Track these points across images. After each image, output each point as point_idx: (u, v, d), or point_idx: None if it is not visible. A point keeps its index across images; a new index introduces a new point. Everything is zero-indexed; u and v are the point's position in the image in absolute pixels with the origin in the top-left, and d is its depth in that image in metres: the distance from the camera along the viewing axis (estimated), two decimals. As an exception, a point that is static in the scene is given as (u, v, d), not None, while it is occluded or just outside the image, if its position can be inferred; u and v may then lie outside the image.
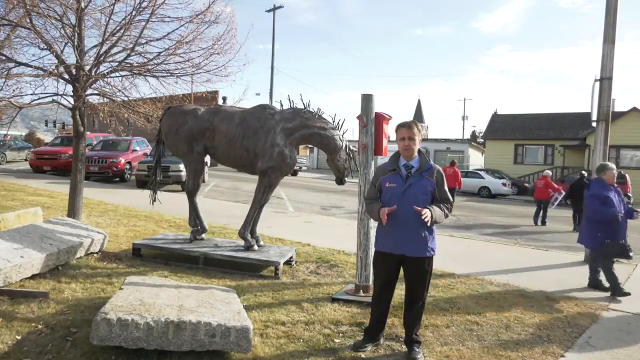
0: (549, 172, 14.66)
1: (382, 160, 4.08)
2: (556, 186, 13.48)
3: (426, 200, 3.34)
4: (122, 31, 6.34)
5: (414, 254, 3.33)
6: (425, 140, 42.62)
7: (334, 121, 5.82)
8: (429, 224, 3.31)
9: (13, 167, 21.34)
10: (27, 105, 6.78)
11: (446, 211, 3.41)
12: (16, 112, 6.86)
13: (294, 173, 26.27)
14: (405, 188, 3.32)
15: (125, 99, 6.98)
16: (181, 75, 6.89)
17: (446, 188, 3.41)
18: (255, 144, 5.64)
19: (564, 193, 13.32)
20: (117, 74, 6.69)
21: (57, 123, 43.38)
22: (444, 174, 3.44)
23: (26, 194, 11.21)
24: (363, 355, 3.42)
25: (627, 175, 20.04)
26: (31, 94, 6.67)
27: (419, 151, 3.48)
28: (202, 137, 5.87)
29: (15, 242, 4.77)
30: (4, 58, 6.34)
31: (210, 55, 6.76)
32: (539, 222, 12.62)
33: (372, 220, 4.42)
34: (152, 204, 6.55)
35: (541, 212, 12.69)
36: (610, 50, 7.52)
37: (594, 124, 8.04)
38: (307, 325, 3.93)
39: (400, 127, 3.47)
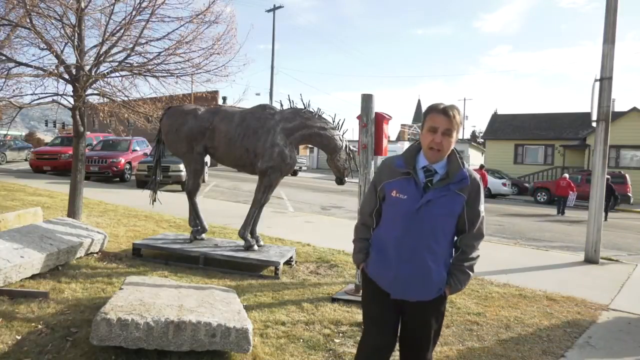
0: (567, 175, 17.46)
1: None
2: (573, 186, 16.38)
3: (449, 225, 2.20)
4: (122, 31, 6.34)
5: (421, 297, 2.23)
6: (425, 140, 42.63)
7: (334, 121, 5.82)
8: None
9: (13, 167, 21.35)
10: (27, 105, 6.78)
11: (471, 264, 2.26)
12: (16, 112, 6.87)
13: (294, 173, 26.29)
14: (422, 205, 2.14)
15: (125, 99, 6.98)
16: (181, 75, 6.89)
17: (481, 208, 2.23)
18: (255, 144, 5.64)
19: (576, 193, 16.54)
20: (117, 74, 6.69)
21: (57, 123, 43.44)
22: (482, 185, 2.26)
23: (26, 194, 11.21)
24: None
25: (627, 175, 20.18)
26: (31, 94, 6.68)
27: (452, 151, 2.21)
28: (202, 137, 5.87)
29: (15, 242, 4.77)
30: (4, 58, 6.33)
31: (210, 55, 6.76)
32: (561, 213, 15.81)
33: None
34: (152, 204, 6.55)
35: (562, 206, 15.97)
36: (610, 50, 7.52)
37: (594, 124, 8.05)
38: (307, 325, 3.93)
39: (435, 112, 2.14)
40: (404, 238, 2.18)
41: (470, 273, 2.26)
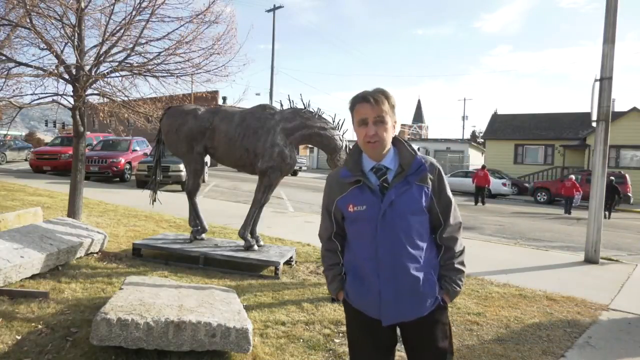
0: (573, 176, 18.16)
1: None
2: (578, 186, 17.09)
3: (422, 223, 1.93)
4: (122, 31, 6.34)
5: (417, 314, 1.93)
6: (425, 140, 42.73)
7: (334, 121, 5.82)
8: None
9: (13, 167, 21.35)
10: (27, 105, 6.78)
11: (461, 259, 2.02)
12: (16, 112, 6.87)
13: (294, 173, 26.30)
14: (385, 210, 1.87)
15: (125, 99, 6.98)
16: (181, 75, 6.88)
17: (449, 193, 1.99)
18: (255, 144, 5.64)
19: (581, 193, 17.08)
20: (117, 74, 6.68)
21: (57, 123, 43.49)
22: (442, 169, 2.00)
23: (26, 194, 11.21)
24: None
25: (627, 175, 20.19)
26: (31, 94, 6.68)
27: (396, 139, 2.00)
28: (202, 137, 5.87)
29: (15, 242, 4.77)
30: (4, 58, 6.33)
31: (210, 55, 6.76)
32: (568, 212, 16.51)
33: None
34: (152, 204, 6.55)
35: (568, 206, 16.76)
36: (610, 50, 7.52)
37: (594, 124, 8.05)
38: (307, 325, 3.93)
39: (358, 102, 1.92)
40: (377, 253, 1.89)
41: (463, 269, 2.01)
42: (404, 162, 1.93)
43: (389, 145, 1.93)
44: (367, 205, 1.90)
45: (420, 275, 1.90)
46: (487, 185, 18.45)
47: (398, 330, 2.02)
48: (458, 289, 1.98)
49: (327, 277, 2.12)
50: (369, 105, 1.87)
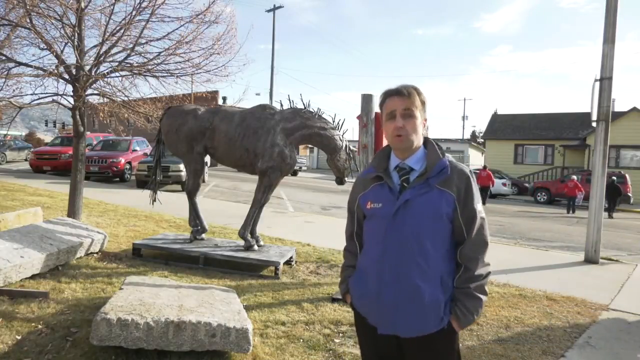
0: (574, 177, 18.68)
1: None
2: (580, 186, 17.33)
3: (439, 231, 1.77)
4: (122, 31, 6.34)
5: (415, 330, 1.77)
6: (425, 140, 42.65)
7: (334, 121, 5.82)
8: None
9: (13, 167, 21.35)
10: (27, 105, 6.78)
11: (479, 284, 1.78)
12: (16, 112, 6.87)
13: (294, 173, 26.30)
14: (398, 208, 1.76)
15: (125, 99, 6.98)
16: (181, 75, 6.89)
17: (477, 206, 1.79)
18: (255, 144, 5.64)
19: (583, 193, 16.96)
20: (117, 74, 6.69)
21: (57, 123, 43.47)
22: (473, 179, 1.82)
23: (26, 194, 11.21)
24: None
25: (627, 175, 20.20)
26: (31, 94, 6.68)
27: (427, 140, 1.88)
28: (202, 137, 5.87)
29: (15, 242, 4.77)
30: (4, 58, 6.34)
31: (210, 55, 6.77)
32: (570, 212, 16.69)
33: None
34: (152, 204, 6.55)
35: (571, 205, 16.97)
36: (610, 50, 7.52)
37: (594, 124, 8.05)
38: (307, 325, 3.93)
39: (389, 96, 1.84)
40: (384, 254, 1.78)
41: (482, 297, 1.77)
42: (429, 164, 1.81)
43: (417, 142, 1.83)
44: (383, 202, 1.81)
45: (426, 286, 1.74)
46: (490, 185, 18.69)
47: None
48: (470, 317, 1.76)
49: (340, 277, 2.09)
50: (399, 97, 1.80)
